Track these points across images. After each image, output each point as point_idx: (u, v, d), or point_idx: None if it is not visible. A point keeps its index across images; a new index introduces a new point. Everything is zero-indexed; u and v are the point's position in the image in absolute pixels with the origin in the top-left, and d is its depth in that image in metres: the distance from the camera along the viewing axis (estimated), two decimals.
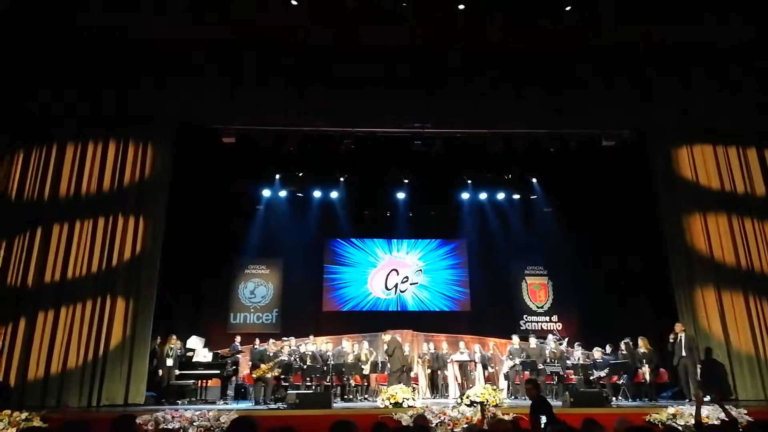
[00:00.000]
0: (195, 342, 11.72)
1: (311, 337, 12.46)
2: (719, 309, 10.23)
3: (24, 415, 7.43)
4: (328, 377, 10.67)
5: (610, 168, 12.82)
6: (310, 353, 11.38)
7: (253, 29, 10.39)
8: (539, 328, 14.60)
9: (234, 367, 11.49)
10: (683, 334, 10.07)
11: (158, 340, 11.05)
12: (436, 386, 12.08)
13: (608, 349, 11.53)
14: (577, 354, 11.66)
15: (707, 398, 6.27)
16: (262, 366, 10.29)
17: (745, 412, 7.52)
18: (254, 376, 10.37)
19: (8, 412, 7.43)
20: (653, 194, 11.21)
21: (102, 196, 10.33)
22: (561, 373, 11.02)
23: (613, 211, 13.56)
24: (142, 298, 9.98)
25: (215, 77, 10.56)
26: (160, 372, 10.62)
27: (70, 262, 9.94)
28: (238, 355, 11.74)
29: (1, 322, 9.52)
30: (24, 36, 10.18)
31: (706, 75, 10.88)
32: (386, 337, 10.28)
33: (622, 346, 11.10)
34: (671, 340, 10.20)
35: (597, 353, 11.27)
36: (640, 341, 10.87)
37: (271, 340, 11.43)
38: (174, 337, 10.98)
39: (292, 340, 11.74)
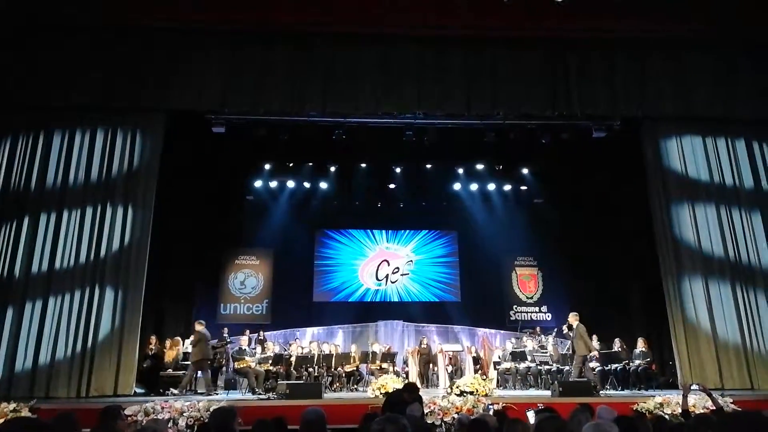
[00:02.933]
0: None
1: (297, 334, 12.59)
2: (707, 299, 10.32)
3: (12, 405, 7.40)
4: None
5: (601, 159, 12.86)
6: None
7: (245, 18, 10.26)
8: (528, 319, 14.68)
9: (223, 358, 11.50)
10: (576, 323, 10.27)
11: (155, 341, 11.01)
12: (427, 377, 12.12)
13: (597, 344, 11.59)
14: (567, 343, 11.73)
15: (694, 387, 6.35)
16: (247, 358, 10.36)
17: (731, 401, 7.62)
18: (237, 366, 10.45)
19: None
20: (643, 185, 11.25)
21: (90, 185, 10.21)
22: (549, 363, 11.10)
23: (603, 202, 13.62)
24: (131, 288, 9.89)
25: (206, 66, 10.39)
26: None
27: (58, 252, 9.83)
28: (228, 346, 11.73)
29: None
30: (11, 23, 10.01)
31: (697, 66, 10.90)
32: (199, 327, 10.26)
33: (617, 342, 11.17)
34: (571, 332, 10.37)
35: (594, 344, 11.35)
36: (640, 341, 10.96)
37: (247, 331, 11.86)
38: (179, 339, 11.29)
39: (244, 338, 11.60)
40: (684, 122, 11.14)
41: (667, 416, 7.17)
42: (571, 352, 10.71)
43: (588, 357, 10.40)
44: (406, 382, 7.46)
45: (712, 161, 11.04)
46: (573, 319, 10.40)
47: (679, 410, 6.71)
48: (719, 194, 10.87)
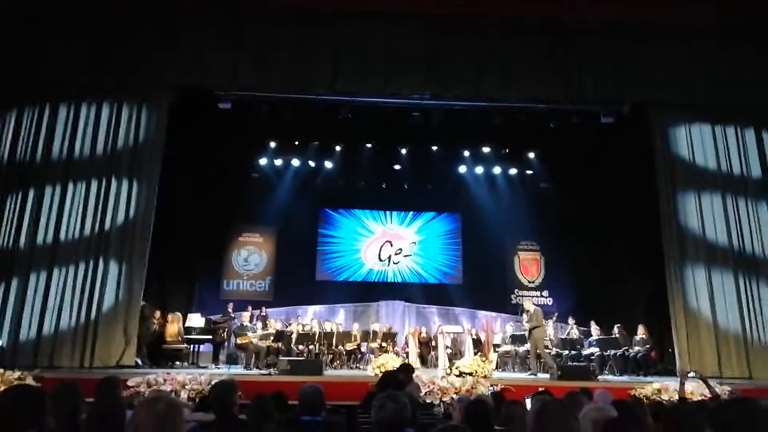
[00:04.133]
0: (194, 319, 11.78)
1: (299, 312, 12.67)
2: (709, 288, 10.32)
3: (17, 374, 7.50)
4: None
5: (608, 146, 12.76)
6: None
7: None
8: None
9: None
10: (533, 308, 10.39)
11: (158, 315, 11.11)
12: (426, 359, 12.18)
13: (594, 332, 11.62)
14: (567, 328, 11.80)
15: (691, 374, 6.37)
16: (249, 334, 10.45)
17: (729, 389, 7.66)
18: (239, 342, 10.56)
19: (0, 371, 7.49)
20: (650, 172, 11.17)
21: (95, 159, 10.22)
22: (549, 347, 11.15)
23: (609, 188, 13.54)
24: (135, 261, 9.95)
25: (213, 41, 10.32)
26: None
27: (63, 224, 9.89)
28: (231, 321, 11.82)
29: None
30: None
31: (708, 53, 10.76)
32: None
33: (617, 328, 11.19)
34: (526, 318, 10.42)
35: (594, 329, 11.39)
36: (640, 328, 10.99)
37: (249, 308, 12.02)
38: (179, 315, 11.28)
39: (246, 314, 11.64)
40: (692, 110, 11.04)
41: (664, 402, 7.21)
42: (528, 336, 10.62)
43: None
44: (402, 363, 7.53)
45: (720, 150, 10.95)
46: (529, 304, 10.56)
47: (677, 397, 6.75)
48: (726, 183, 10.80)
